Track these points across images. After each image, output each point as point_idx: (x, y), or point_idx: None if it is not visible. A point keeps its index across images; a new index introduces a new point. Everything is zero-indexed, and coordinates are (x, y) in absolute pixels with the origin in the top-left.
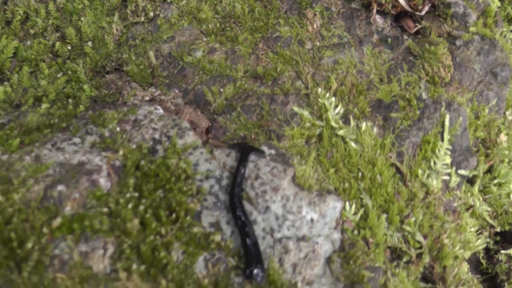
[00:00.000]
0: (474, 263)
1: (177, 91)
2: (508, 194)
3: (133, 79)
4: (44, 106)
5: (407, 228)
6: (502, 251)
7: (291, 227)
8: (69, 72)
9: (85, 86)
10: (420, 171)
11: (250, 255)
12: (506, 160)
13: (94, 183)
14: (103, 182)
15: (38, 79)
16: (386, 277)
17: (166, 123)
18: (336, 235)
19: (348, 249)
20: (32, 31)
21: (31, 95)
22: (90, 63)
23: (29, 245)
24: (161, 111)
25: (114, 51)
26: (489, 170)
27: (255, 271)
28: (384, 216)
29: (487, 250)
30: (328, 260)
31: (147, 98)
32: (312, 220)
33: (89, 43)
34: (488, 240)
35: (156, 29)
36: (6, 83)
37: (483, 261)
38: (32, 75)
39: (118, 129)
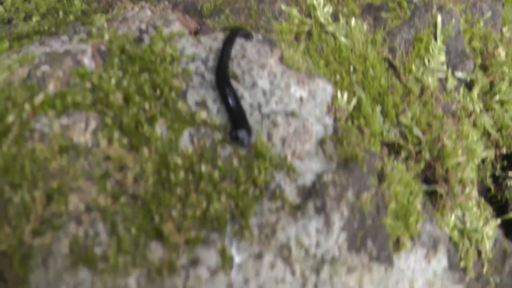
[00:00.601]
0: (483, 194)
1: (167, 3)
2: None
3: None
4: (35, 19)
5: (404, 120)
6: (510, 173)
7: (279, 102)
8: None
9: (76, 1)
10: (414, 67)
11: (235, 118)
12: (507, 78)
13: (78, 63)
14: (88, 62)
15: (32, 3)
16: (383, 163)
17: (153, 16)
18: (328, 121)
19: (341, 134)
20: None
21: (22, 11)
22: None
23: (10, 119)
24: (149, 12)
25: None
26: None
27: (241, 133)
28: (378, 108)
29: (494, 178)
30: (321, 142)
31: (137, 9)
32: (301, 98)
33: None
34: (492, 150)
35: None
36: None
37: (491, 186)
38: (26, 1)
39: (105, 25)
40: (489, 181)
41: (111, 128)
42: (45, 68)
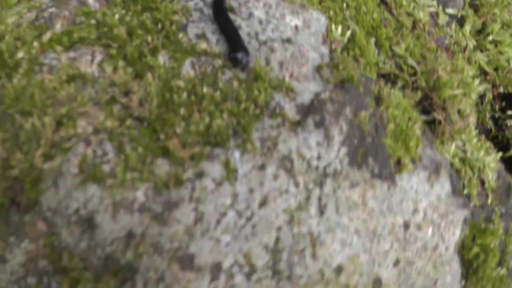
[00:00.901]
0: (484, 135)
1: None
2: (508, 60)
3: None
4: None
5: (397, 50)
6: (509, 112)
7: (275, 30)
8: None
9: None
10: (405, 2)
11: (232, 41)
12: (499, 20)
13: (83, 3)
14: (92, 2)
15: None
16: (380, 87)
17: None
18: (324, 50)
19: (337, 61)
20: None
21: None
22: None
23: (20, 55)
24: None
25: None
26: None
27: (239, 54)
28: (372, 40)
29: (494, 120)
30: (317, 68)
31: None
32: (296, 27)
33: None
34: (489, 86)
35: None
36: None
37: (492, 128)
38: None
39: None
40: (489, 123)
41: (116, 58)
42: (51, 9)
